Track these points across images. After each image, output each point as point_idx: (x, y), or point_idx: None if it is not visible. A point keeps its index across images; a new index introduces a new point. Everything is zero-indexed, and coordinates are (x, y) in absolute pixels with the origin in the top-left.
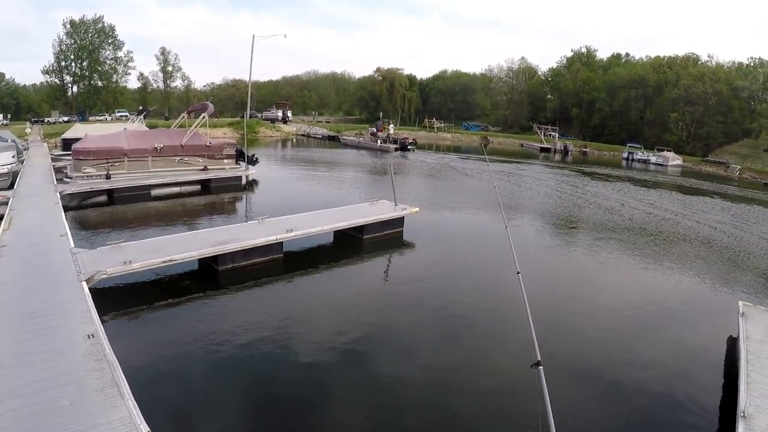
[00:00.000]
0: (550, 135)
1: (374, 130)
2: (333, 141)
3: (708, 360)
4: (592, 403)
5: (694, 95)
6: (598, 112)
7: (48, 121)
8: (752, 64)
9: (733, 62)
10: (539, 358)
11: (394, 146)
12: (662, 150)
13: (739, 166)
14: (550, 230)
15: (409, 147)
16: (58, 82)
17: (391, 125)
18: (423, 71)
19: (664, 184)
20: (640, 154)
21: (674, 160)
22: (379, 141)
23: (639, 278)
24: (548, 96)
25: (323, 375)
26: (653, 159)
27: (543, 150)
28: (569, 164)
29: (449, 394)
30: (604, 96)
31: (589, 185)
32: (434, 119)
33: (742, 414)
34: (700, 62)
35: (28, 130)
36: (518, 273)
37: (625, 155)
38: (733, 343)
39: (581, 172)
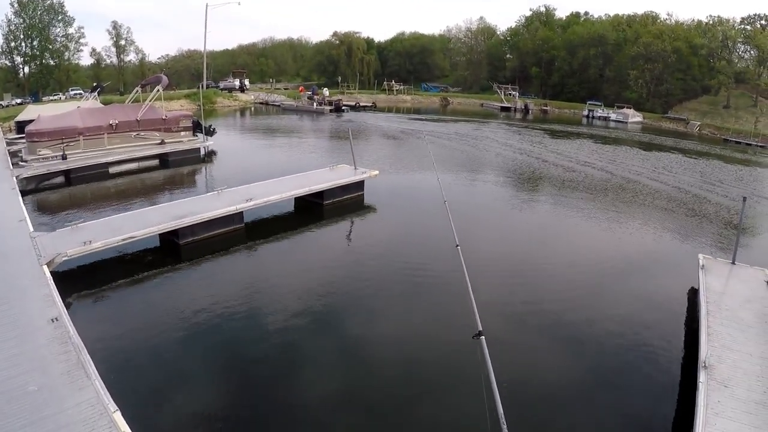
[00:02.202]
0: (510, 94)
1: (310, 94)
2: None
3: (670, 312)
4: (554, 358)
5: (653, 53)
6: (558, 70)
7: (0, 104)
8: (711, 22)
9: (693, 20)
10: (480, 329)
11: (329, 108)
12: (622, 107)
13: (699, 123)
14: (508, 190)
15: (342, 108)
16: (9, 64)
17: (325, 89)
18: (381, 34)
19: (624, 141)
20: (600, 112)
21: (634, 117)
22: (315, 104)
23: (601, 235)
24: (507, 56)
25: (288, 341)
26: (613, 116)
27: (503, 109)
28: (530, 122)
29: (406, 357)
30: (564, 54)
31: (549, 143)
32: (393, 82)
33: (704, 364)
34: (659, 20)
35: None
36: (457, 246)
37: (585, 113)
38: (694, 295)
39: (542, 129)
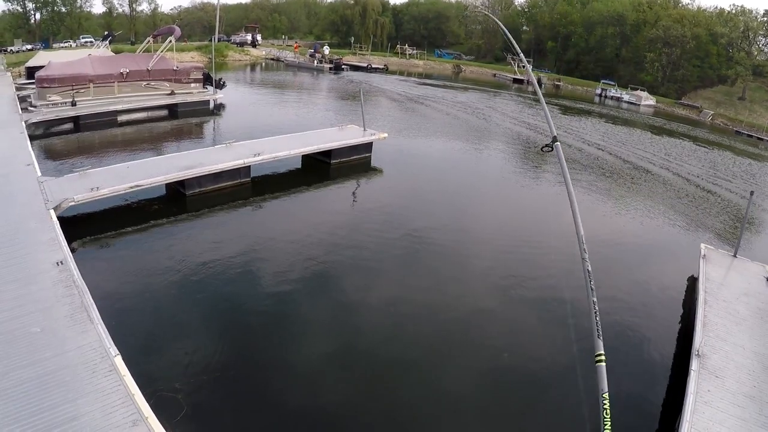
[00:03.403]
0: (523, 67)
1: (312, 51)
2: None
3: (667, 298)
4: (544, 334)
5: (672, 37)
6: (574, 46)
7: (11, 50)
8: (734, 11)
9: (715, 8)
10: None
11: (329, 66)
12: (636, 89)
13: (712, 112)
14: (515, 165)
15: (342, 67)
16: (20, 10)
17: (326, 48)
18: None
19: (634, 123)
20: (613, 92)
21: (647, 100)
22: (315, 61)
23: (603, 217)
24: (524, 27)
25: (291, 298)
26: (626, 97)
27: (516, 81)
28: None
29: (410, 320)
30: (581, 31)
31: (559, 120)
32: (407, 46)
33: (697, 352)
34: (680, 5)
35: None
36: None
37: (598, 91)
38: (693, 284)
39: (553, 104)
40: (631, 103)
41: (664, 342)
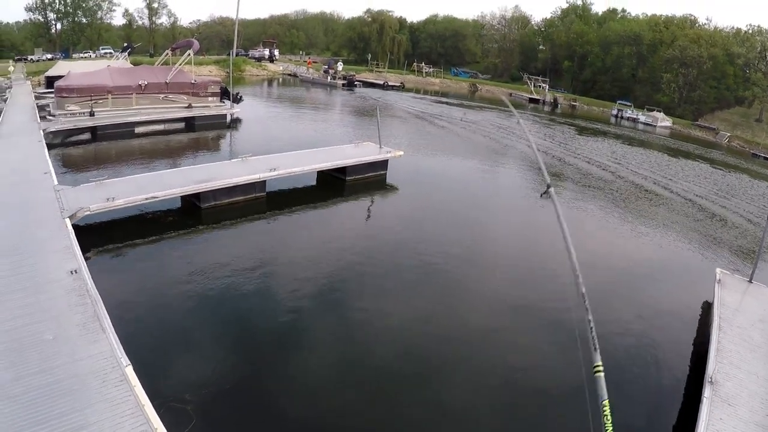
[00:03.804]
0: (540, 86)
1: (326, 68)
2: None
3: (681, 323)
4: (558, 355)
5: (688, 57)
6: (590, 66)
7: (31, 59)
8: (750, 31)
9: (732, 28)
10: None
11: (342, 82)
12: (652, 110)
13: (729, 134)
14: (530, 184)
15: (355, 83)
16: (42, 20)
17: (339, 64)
18: (414, 15)
19: (651, 145)
20: (629, 112)
21: (663, 121)
22: (329, 77)
23: (619, 238)
24: (540, 47)
25: (301, 313)
26: (642, 118)
27: (532, 101)
28: (558, 116)
29: (419, 339)
30: (597, 51)
31: (576, 140)
32: (423, 64)
33: (710, 379)
34: (697, 24)
35: (11, 69)
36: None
37: (614, 112)
38: (707, 309)
39: (569, 125)
40: (648, 124)
41: (676, 367)
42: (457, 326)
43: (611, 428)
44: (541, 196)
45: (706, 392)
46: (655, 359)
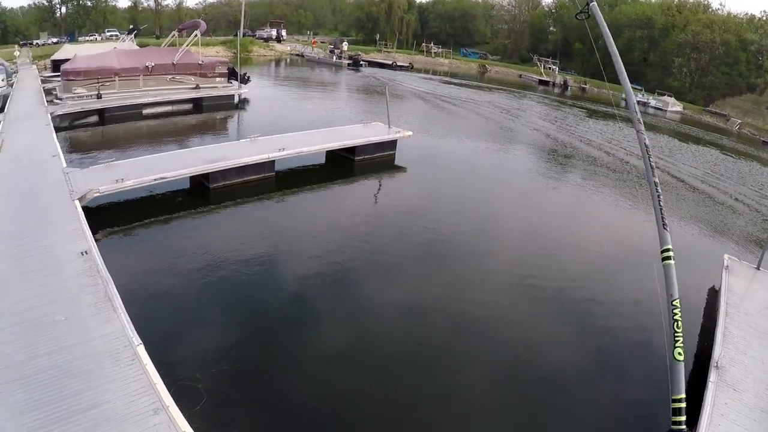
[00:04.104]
0: (550, 68)
1: (332, 47)
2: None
3: (688, 308)
4: (560, 340)
5: (701, 42)
6: (601, 49)
7: (37, 43)
8: (765, 18)
9: (746, 14)
10: None
11: (347, 62)
12: (663, 95)
13: (740, 121)
14: (538, 166)
15: (361, 63)
16: (46, 3)
17: (345, 44)
18: None
19: (661, 129)
20: (639, 96)
21: (674, 106)
22: (334, 57)
23: (626, 224)
24: (551, 28)
25: (310, 293)
26: (653, 103)
27: (542, 83)
28: (567, 99)
29: (426, 319)
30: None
31: (585, 123)
32: (432, 44)
33: (716, 364)
34: (710, 9)
35: (16, 53)
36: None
37: (624, 95)
38: (714, 295)
39: (579, 107)
40: (658, 108)
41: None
42: (467, 309)
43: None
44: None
45: (712, 377)
46: (662, 344)
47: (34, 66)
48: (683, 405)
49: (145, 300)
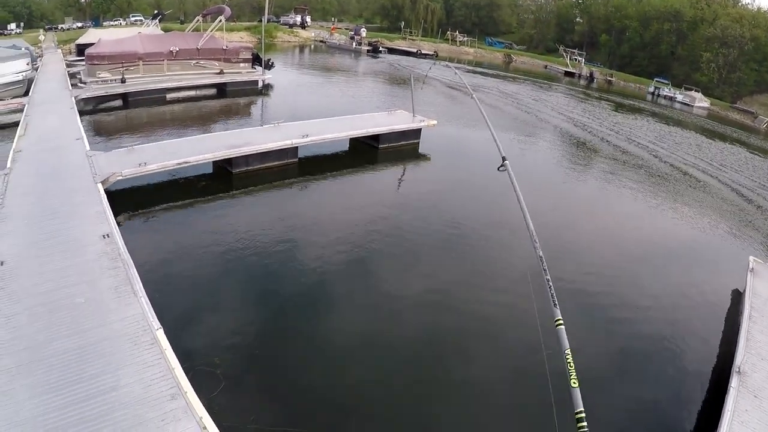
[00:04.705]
0: (576, 59)
1: (353, 34)
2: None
3: (709, 310)
4: (584, 337)
5: (730, 37)
6: (628, 41)
7: (61, 27)
8: None
9: None
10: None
11: (367, 48)
12: (690, 89)
13: (767, 119)
14: (564, 159)
15: (380, 50)
16: None
17: (363, 30)
18: None
19: (687, 125)
20: (666, 91)
21: (701, 101)
22: (354, 44)
23: (650, 218)
24: (577, 19)
25: (330, 281)
26: (679, 97)
27: (567, 74)
28: (593, 91)
29: (447, 309)
30: (636, 25)
31: (612, 117)
32: (457, 32)
33: (738, 369)
34: (740, 4)
35: (41, 38)
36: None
37: (651, 89)
38: (737, 298)
39: (605, 100)
40: (684, 103)
41: (703, 356)
42: (484, 299)
43: (575, 375)
44: (498, 169)
45: (733, 382)
46: (682, 347)
47: (59, 50)
48: (583, 415)
49: (165, 284)
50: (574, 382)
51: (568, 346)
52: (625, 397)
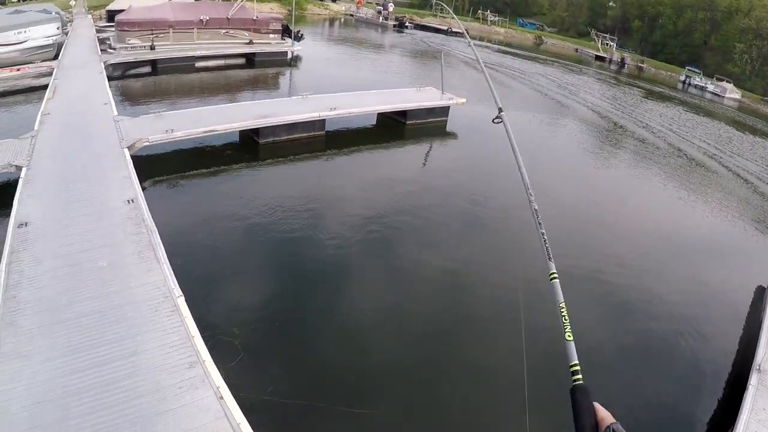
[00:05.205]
0: (607, 44)
1: (380, 8)
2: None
3: (731, 306)
4: (602, 328)
5: (764, 29)
6: (661, 28)
7: None
8: None
9: None
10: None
11: (393, 23)
12: (721, 80)
13: None
14: (590, 143)
15: (407, 24)
16: None
17: (390, 5)
18: None
19: (718, 116)
20: (697, 80)
21: (732, 93)
22: (381, 18)
23: (675, 210)
24: (611, 3)
25: (351, 255)
26: (710, 87)
27: (598, 58)
28: (623, 77)
29: (461, 287)
30: (670, 12)
31: (644, 104)
32: (488, 12)
33: (758, 367)
34: None
35: (72, 3)
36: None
37: (681, 78)
38: (761, 294)
39: (636, 87)
40: (715, 93)
41: (722, 352)
42: (506, 284)
43: (569, 329)
44: (493, 121)
45: (753, 380)
46: (701, 342)
47: (90, 16)
48: (578, 367)
49: (187, 251)
50: (569, 336)
51: (563, 300)
52: (639, 390)
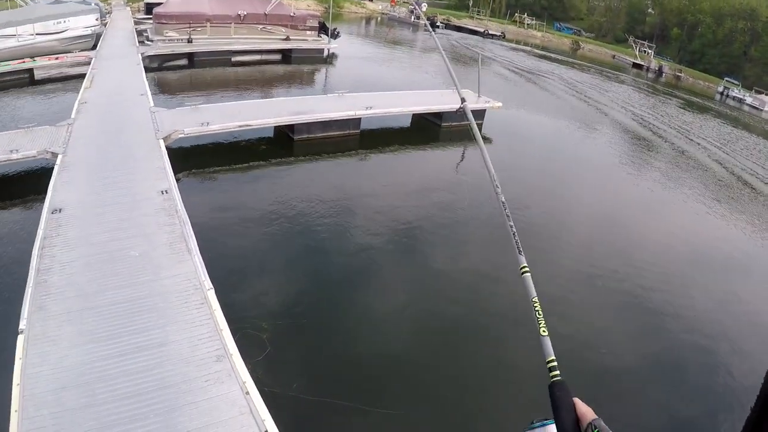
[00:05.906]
0: (645, 51)
1: (413, 8)
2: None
3: (759, 315)
4: (626, 339)
5: None
6: (700, 37)
7: None
8: None
9: None
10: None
11: (424, 22)
12: (761, 92)
13: None
14: (626, 157)
15: (437, 25)
16: None
17: (424, 5)
18: None
19: (755, 129)
20: (735, 92)
21: None
22: (412, 17)
23: (700, 226)
24: (649, 10)
25: (382, 255)
26: (749, 100)
27: (635, 66)
28: (660, 86)
29: (493, 289)
30: (709, 21)
31: (682, 115)
32: (525, 15)
33: None
34: None
35: None
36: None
37: (720, 89)
38: None
39: (670, 96)
40: (754, 106)
41: (749, 360)
42: (541, 281)
43: (543, 323)
44: (456, 112)
45: None
46: (728, 349)
47: (128, 8)
48: (555, 363)
49: (218, 244)
50: (544, 331)
51: (536, 294)
52: (666, 392)
